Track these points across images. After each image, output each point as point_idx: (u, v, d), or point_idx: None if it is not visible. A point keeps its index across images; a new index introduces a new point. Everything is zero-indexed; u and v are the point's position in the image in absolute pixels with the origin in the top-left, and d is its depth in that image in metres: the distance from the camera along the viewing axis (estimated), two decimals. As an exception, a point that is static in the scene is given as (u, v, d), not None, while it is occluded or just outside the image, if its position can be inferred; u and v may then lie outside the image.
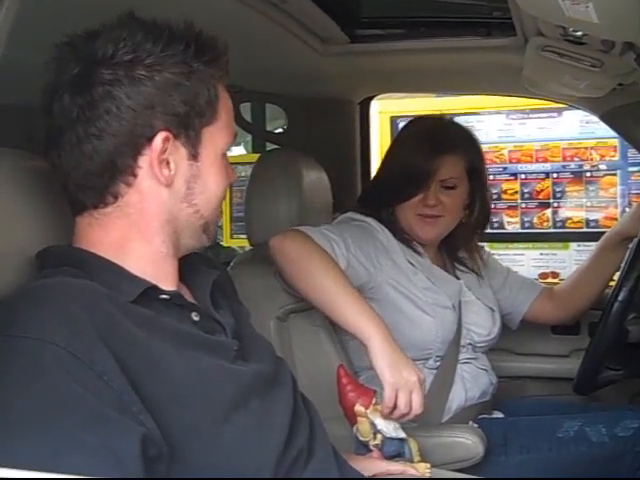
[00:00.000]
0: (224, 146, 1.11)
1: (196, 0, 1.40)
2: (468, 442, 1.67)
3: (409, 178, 1.90)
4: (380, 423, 1.41)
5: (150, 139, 1.03)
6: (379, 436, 1.41)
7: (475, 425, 1.80)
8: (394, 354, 1.48)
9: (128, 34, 1.02)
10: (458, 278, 2.00)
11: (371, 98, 2.61)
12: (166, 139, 1.03)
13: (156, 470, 0.89)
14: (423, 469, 1.40)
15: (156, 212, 1.06)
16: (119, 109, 1.01)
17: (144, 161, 1.03)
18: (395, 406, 1.44)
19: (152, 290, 1.04)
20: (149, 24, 1.05)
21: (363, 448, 1.43)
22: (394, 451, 1.42)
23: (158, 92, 1.02)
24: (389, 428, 1.42)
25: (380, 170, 2.05)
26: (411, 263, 1.89)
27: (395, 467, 1.39)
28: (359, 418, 1.41)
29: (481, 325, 1.95)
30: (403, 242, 1.92)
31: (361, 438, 1.42)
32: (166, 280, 1.09)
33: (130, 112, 1.01)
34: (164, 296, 1.05)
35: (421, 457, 1.45)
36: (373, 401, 1.41)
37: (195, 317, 1.08)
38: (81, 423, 0.84)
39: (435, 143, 1.91)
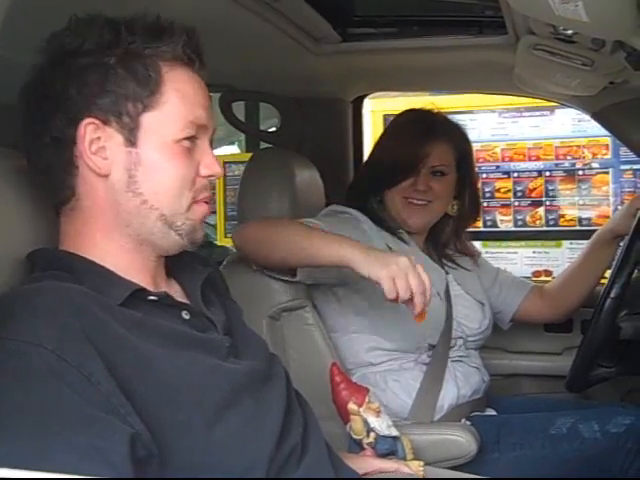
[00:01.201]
0: (177, 132, 1.05)
1: (188, 0, 1.41)
2: (461, 440, 1.68)
3: (399, 163, 1.92)
4: (373, 421, 1.41)
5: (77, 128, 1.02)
6: (372, 434, 1.41)
7: (468, 423, 1.80)
8: (376, 254, 1.52)
9: (74, 26, 1.03)
10: (447, 273, 2.00)
11: (364, 97, 2.61)
12: (90, 126, 1.02)
13: (146, 472, 0.89)
14: (416, 467, 1.40)
15: (104, 203, 1.05)
16: (51, 102, 1.02)
17: (78, 150, 1.03)
18: (397, 297, 1.46)
19: (140, 292, 1.04)
20: (102, 18, 1.04)
21: (356, 446, 1.44)
22: (387, 449, 1.43)
23: (76, 80, 1.01)
24: (382, 426, 1.42)
25: (369, 158, 2.07)
26: (391, 248, 1.88)
27: (388, 465, 1.39)
28: (352, 416, 1.41)
29: (471, 318, 1.95)
30: (388, 231, 1.93)
31: (354, 436, 1.42)
32: (153, 281, 1.09)
33: (55, 103, 1.02)
34: (152, 297, 1.05)
35: (414, 455, 1.45)
36: (366, 399, 1.42)
37: (185, 316, 1.08)
38: (69, 424, 0.85)
39: (425, 129, 1.94)
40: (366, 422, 1.41)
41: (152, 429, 0.92)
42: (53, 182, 1.06)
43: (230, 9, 1.51)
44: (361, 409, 1.40)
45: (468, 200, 2.02)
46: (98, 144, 1.03)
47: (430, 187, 1.92)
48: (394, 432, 1.43)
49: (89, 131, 1.02)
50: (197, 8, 1.39)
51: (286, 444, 1.10)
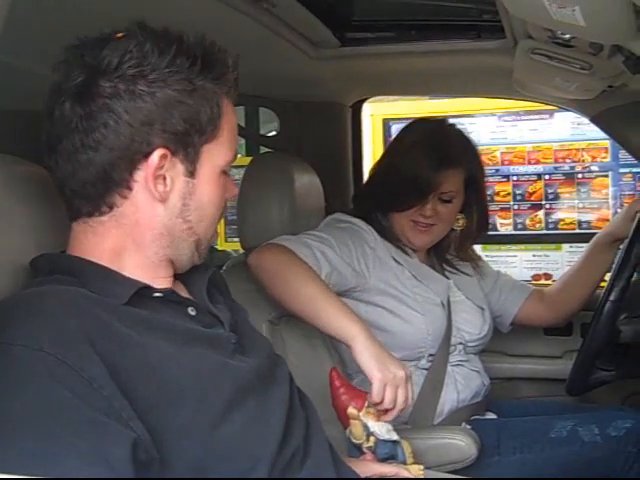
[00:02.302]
0: (223, 163, 1.09)
1: (187, 4, 1.41)
2: (461, 444, 1.68)
3: (410, 189, 1.89)
4: (373, 425, 1.41)
5: (147, 155, 1.02)
6: (372, 438, 1.41)
7: (468, 426, 1.80)
8: (379, 351, 1.49)
9: (135, 45, 1.01)
10: (447, 278, 2.00)
11: (363, 101, 2.61)
12: (163, 156, 1.02)
13: (147, 475, 0.89)
14: (416, 471, 1.40)
15: (150, 225, 1.05)
16: (117, 123, 1.00)
17: (140, 175, 1.03)
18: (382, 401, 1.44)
19: (145, 290, 1.04)
20: (159, 35, 1.03)
21: (356, 450, 1.43)
22: (387, 453, 1.42)
23: (158, 109, 1.01)
24: (382, 430, 1.42)
25: (377, 173, 2.03)
26: (397, 261, 1.90)
27: (388, 469, 1.38)
28: (352, 420, 1.41)
29: (472, 324, 1.96)
30: (391, 242, 1.93)
31: (354, 440, 1.42)
32: (160, 279, 1.09)
33: (127, 127, 1.00)
34: (157, 294, 1.06)
35: (414, 459, 1.45)
36: (366, 404, 1.42)
37: (192, 312, 1.09)
38: (71, 429, 0.85)
39: (441, 156, 1.89)
40: (366, 426, 1.41)
41: (155, 430, 0.92)
42: (87, 195, 1.04)
43: (228, 14, 1.51)
44: (360, 413, 1.40)
45: (476, 217, 2.01)
46: (160, 172, 1.03)
47: (437, 212, 1.91)
48: (394, 436, 1.43)
49: (158, 159, 1.02)
50: (195, 12, 1.39)
51: (289, 446, 1.09)
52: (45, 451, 0.82)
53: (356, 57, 2.07)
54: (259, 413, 1.06)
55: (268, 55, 1.90)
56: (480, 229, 2.05)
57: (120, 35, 1.03)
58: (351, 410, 1.40)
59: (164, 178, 1.03)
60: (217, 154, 1.07)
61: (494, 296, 2.09)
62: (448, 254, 2.06)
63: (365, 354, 1.48)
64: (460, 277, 2.04)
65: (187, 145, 1.04)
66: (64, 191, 1.05)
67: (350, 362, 1.84)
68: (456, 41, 1.97)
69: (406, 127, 2.05)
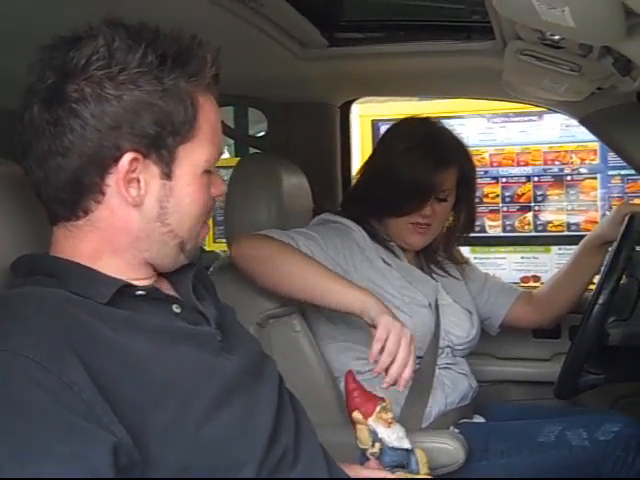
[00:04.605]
0: (205, 163, 1.05)
1: (173, 3, 1.40)
2: (449, 448, 1.67)
3: (411, 194, 1.86)
4: (382, 432, 1.39)
5: (117, 159, 0.99)
6: (377, 445, 1.39)
7: (456, 430, 1.79)
8: (391, 311, 1.53)
9: (103, 45, 0.98)
10: (435, 280, 1.99)
11: (352, 102, 2.61)
12: (134, 160, 1.00)
13: (129, 478, 0.88)
14: None
15: (126, 229, 1.03)
16: (84, 128, 0.97)
17: (112, 180, 1.00)
18: (380, 351, 1.45)
19: (127, 288, 1.03)
20: (130, 32, 1.00)
21: (363, 456, 1.42)
22: (395, 461, 1.39)
23: (126, 112, 0.98)
24: (391, 437, 1.39)
25: (369, 177, 1.98)
26: (386, 262, 1.89)
27: (367, 473, 1.35)
28: (357, 425, 1.40)
29: (459, 327, 1.95)
30: (381, 244, 1.91)
31: (360, 445, 1.41)
32: (142, 277, 1.07)
33: (95, 132, 0.98)
34: (140, 292, 1.04)
35: (429, 470, 1.43)
36: (377, 409, 1.40)
37: (176, 309, 1.07)
38: (52, 433, 0.83)
39: (439, 157, 1.87)
40: (374, 432, 1.39)
41: (139, 431, 0.90)
42: (62, 200, 1.02)
43: (215, 13, 1.50)
44: (370, 419, 1.39)
45: (464, 214, 2.01)
46: (132, 175, 1.00)
47: (434, 211, 1.90)
48: (406, 444, 1.40)
49: (128, 163, 0.99)
50: (182, 12, 1.38)
51: (277, 446, 1.08)
52: (25, 457, 0.81)
53: (345, 57, 2.06)
54: (246, 412, 1.05)
55: (256, 55, 1.89)
56: (467, 227, 2.04)
57: (90, 34, 1.00)
58: (356, 415, 1.39)
59: (138, 181, 1.01)
60: (196, 154, 1.04)
61: (482, 299, 2.08)
62: (437, 256, 2.05)
63: (378, 310, 1.51)
64: (448, 280, 2.03)
65: (160, 147, 1.01)
66: (41, 196, 1.04)
67: (337, 365, 1.83)
68: (445, 42, 1.97)
69: (394, 127, 2.02)
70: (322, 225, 1.89)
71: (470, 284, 2.08)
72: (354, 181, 2.11)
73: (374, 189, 1.93)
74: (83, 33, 1.01)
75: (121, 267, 1.05)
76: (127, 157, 0.99)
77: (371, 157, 2.02)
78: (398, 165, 1.87)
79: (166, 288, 1.12)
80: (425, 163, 1.85)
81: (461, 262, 2.10)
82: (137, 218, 1.03)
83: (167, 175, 1.02)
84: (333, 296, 1.59)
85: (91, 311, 0.96)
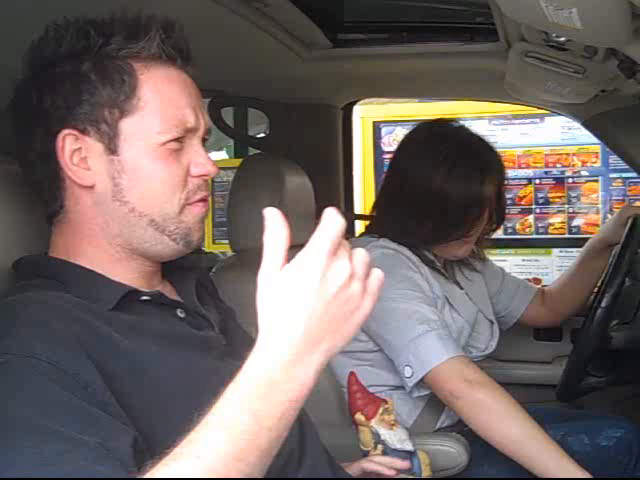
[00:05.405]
0: (158, 136, 1.00)
1: (177, 3, 1.39)
2: (452, 450, 1.66)
3: (466, 214, 1.74)
4: (384, 434, 1.38)
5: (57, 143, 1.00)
6: (379, 446, 1.38)
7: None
8: None
9: (52, 34, 1.00)
10: (462, 288, 1.92)
11: (354, 103, 2.60)
12: (68, 137, 0.99)
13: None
14: None
15: (91, 215, 1.03)
16: (29, 122, 1.02)
17: (62, 165, 1.01)
18: None
19: (132, 294, 1.02)
20: (78, 23, 1.01)
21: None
22: None
23: (50, 91, 0.99)
24: (394, 439, 1.38)
25: (411, 200, 1.77)
26: (429, 283, 1.78)
27: (355, 468, 1.35)
28: (359, 427, 1.39)
29: (479, 341, 1.90)
30: (428, 265, 1.80)
31: (362, 447, 1.40)
32: (146, 281, 1.07)
33: (36, 122, 1.01)
34: (145, 297, 1.03)
35: (431, 472, 1.42)
36: (380, 411, 1.39)
37: (181, 314, 1.07)
38: (76, 424, 0.82)
39: (484, 167, 1.74)
40: (376, 434, 1.38)
41: (147, 435, 0.90)
42: (44, 196, 1.04)
43: (219, 13, 1.50)
44: (372, 420, 1.38)
45: (496, 214, 1.88)
46: (79, 155, 1.00)
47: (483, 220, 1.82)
48: (408, 446, 1.39)
49: (68, 143, 0.99)
50: (185, 12, 1.37)
51: (282, 448, 1.07)
52: (51, 447, 0.79)
53: (348, 58, 2.06)
54: None
55: (259, 56, 1.89)
56: (496, 227, 1.96)
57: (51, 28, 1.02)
58: (358, 416, 1.38)
59: (87, 161, 1.00)
60: (145, 127, 1.00)
61: (499, 297, 2.06)
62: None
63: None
64: (472, 285, 1.97)
65: (97, 122, 0.99)
66: (39, 198, 1.07)
67: (340, 372, 1.81)
68: (448, 43, 1.97)
69: (427, 142, 1.81)
70: (392, 264, 1.71)
71: (489, 282, 2.03)
72: (379, 199, 1.95)
73: (422, 215, 1.76)
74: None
75: (108, 262, 1.04)
76: (60, 135, 0.99)
77: (403, 176, 1.81)
78: (446, 186, 1.72)
79: (170, 293, 1.12)
80: (473, 177, 1.73)
81: (481, 257, 2.05)
82: (95, 199, 1.02)
83: (113, 150, 1.00)
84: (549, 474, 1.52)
85: (98, 316, 0.95)
